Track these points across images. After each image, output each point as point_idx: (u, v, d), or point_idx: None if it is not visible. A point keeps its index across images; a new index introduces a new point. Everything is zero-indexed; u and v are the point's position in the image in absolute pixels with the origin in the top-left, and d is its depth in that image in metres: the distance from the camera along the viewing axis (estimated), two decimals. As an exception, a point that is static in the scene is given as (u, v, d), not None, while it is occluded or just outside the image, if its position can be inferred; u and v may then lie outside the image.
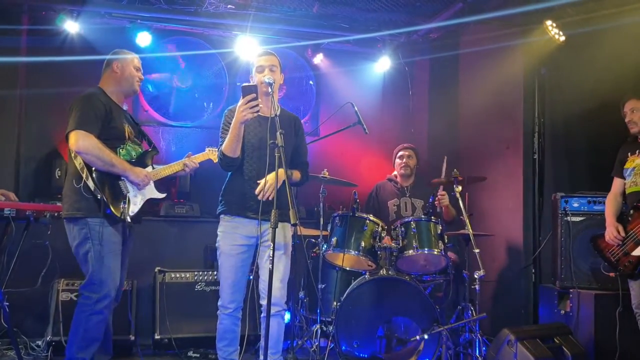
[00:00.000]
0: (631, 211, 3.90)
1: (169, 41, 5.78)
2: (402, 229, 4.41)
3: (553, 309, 4.66)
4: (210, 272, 4.92)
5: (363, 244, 4.39)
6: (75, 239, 3.47)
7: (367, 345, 4.14)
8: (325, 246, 4.45)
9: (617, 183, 4.10)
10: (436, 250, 4.33)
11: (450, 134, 6.09)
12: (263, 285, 3.41)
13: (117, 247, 3.52)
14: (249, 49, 5.55)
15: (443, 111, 6.25)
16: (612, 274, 4.19)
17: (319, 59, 6.09)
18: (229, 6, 5.27)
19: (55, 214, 3.87)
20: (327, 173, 4.62)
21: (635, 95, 3.99)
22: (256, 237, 3.47)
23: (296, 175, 3.64)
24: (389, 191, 5.18)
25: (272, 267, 3.03)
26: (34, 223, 3.91)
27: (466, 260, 4.49)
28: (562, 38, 4.97)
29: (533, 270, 5.07)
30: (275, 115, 3.30)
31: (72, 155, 3.50)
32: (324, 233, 4.50)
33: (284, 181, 3.22)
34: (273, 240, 3.01)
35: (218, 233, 3.55)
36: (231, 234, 3.49)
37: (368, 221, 4.44)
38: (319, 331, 4.43)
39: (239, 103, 3.31)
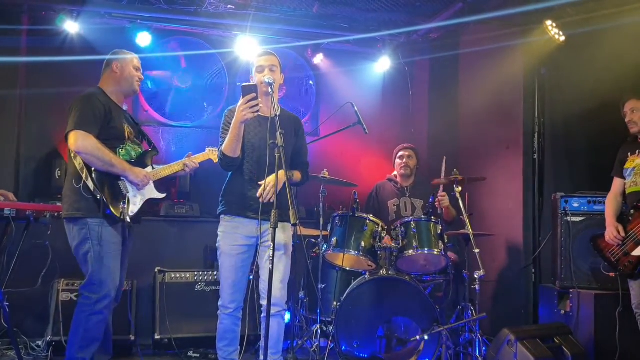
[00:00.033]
0: (631, 211, 3.90)
1: (169, 41, 5.78)
2: (402, 229, 4.41)
3: (553, 309, 4.67)
4: (210, 272, 4.92)
5: (363, 244, 4.39)
6: (75, 239, 3.47)
7: (367, 345, 4.14)
8: (325, 246, 4.45)
9: (617, 183, 4.10)
10: (436, 250, 4.33)
11: (450, 134, 6.08)
12: (263, 286, 3.41)
13: (116, 247, 3.52)
14: (249, 49, 5.55)
15: (443, 111, 6.25)
16: (612, 274, 4.19)
17: (319, 59, 6.09)
18: (229, 6, 5.27)
19: (56, 214, 3.87)
20: (327, 173, 4.62)
21: (635, 95, 3.99)
22: (256, 237, 3.48)
23: (297, 176, 3.64)
24: (389, 191, 5.18)
25: (272, 267, 3.03)
26: (34, 223, 3.91)
27: (466, 260, 4.49)
28: (562, 38, 4.97)
29: (533, 270, 5.07)
30: (276, 115, 3.30)
31: (72, 155, 3.50)
32: (324, 233, 4.50)
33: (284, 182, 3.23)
34: (273, 241, 3.02)
35: (218, 233, 3.55)
36: (232, 234, 3.49)
37: (368, 221, 4.44)
38: (319, 331, 4.43)
39: (239, 103, 3.31)
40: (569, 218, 4.56)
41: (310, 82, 6.37)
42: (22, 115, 5.33)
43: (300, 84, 6.34)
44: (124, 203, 3.49)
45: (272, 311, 3.32)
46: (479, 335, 4.21)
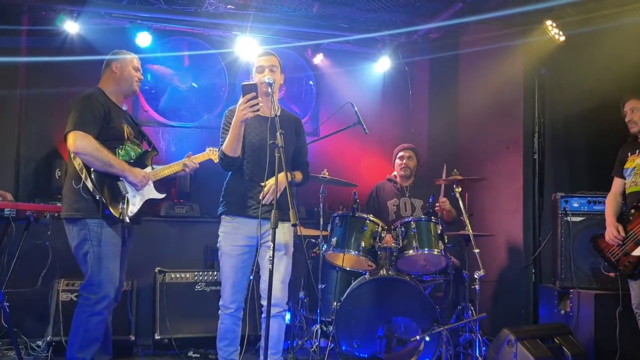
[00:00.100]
0: (631, 211, 3.90)
1: (169, 41, 5.78)
2: (402, 229, 4.41)
3: (553, 309, 4.66)
4: (210, 272, 4.92)
5: (363, 244, 4.39)
6: (74, 239, 3.47)
7: (367, 345, 4.14)
8: (325, 246, 4.45)
9: (617, 183, 4.10)
10: (436, 250, 4.33)
11: (450, 134, 6.08)
12: (264, 286, 3.41)
13: (116, 247, 3.52)
14: (249, 49, 5.54)
15: (443, 111, 6.25)
16: (612, 274, 4.19)
17: (318, 59, 6.08)
18: (229, 6, 5.27)
19: (55, 215, 3.87)
20: (327, 173, 4.62)
21: (635, 95, 3.99)
22: (257, 237, 3.47)
23: (298, 176, 3.65)
24: (389, 191, 5.18)
25: (272, 267, 3.03)
26: (34, 223, 3.91)
27: (466, 260, 4.49)
28: (562, 38, 4.96)
29: (533, 270, 5.07)
30: (276, 115, 3.31)
31: (72, 155, 3.50)
32: (324, 233, 4.50)
33: (284, 181, 3.23)
34: (273, 241, 3.02)
35: (219, 233, 3.55)
36: (232, 235, 3.49)
37: (368, 221, 4.44)
38: (319, 331, 4.43)
39: (239, 102, 3.31)
40: (569, 218, 4.56)
41: (310, 82, 6.37)
42: (22, 115, 5.33)
43: (300, 84, 6.34)
44: (123, 203, 3.49)
45: (273, 311, 3.32)
46: (479, 335, 4.20)
